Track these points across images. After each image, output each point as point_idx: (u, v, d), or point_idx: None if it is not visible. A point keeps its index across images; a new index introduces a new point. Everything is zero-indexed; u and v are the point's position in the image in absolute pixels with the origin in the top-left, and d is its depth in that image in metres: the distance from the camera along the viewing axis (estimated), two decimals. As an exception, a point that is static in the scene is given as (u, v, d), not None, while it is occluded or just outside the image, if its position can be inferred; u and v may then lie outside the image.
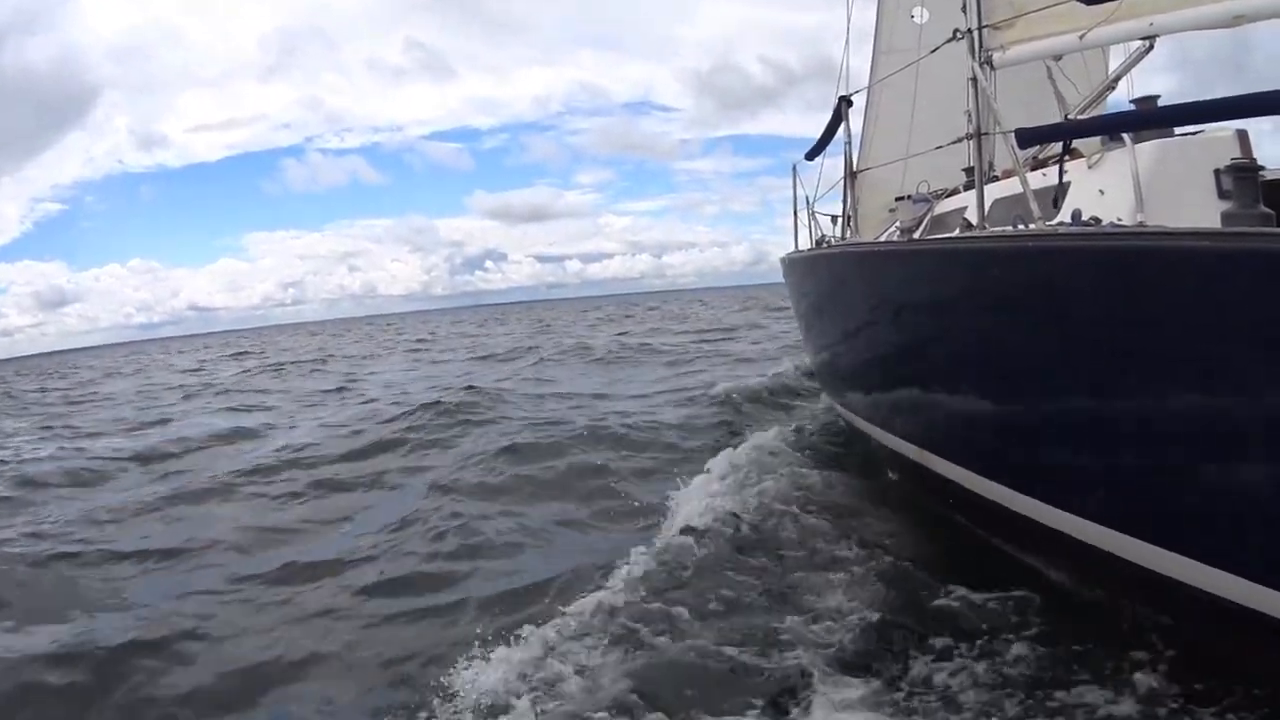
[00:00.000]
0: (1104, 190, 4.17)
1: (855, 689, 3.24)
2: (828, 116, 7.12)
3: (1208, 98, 3.47)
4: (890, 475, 6.06)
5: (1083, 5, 4.37)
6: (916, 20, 7.21)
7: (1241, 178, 3.17)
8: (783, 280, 8.95)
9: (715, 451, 7.06)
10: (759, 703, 3.22)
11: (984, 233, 4.61)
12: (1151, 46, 4.42)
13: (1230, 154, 3.58)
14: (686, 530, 5.10)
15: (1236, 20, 3.71)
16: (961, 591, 3.96)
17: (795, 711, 3.15)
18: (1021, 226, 4.32)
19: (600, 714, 3.18)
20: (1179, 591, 3.02)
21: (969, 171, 5.72)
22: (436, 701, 3.46)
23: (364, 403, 14.44)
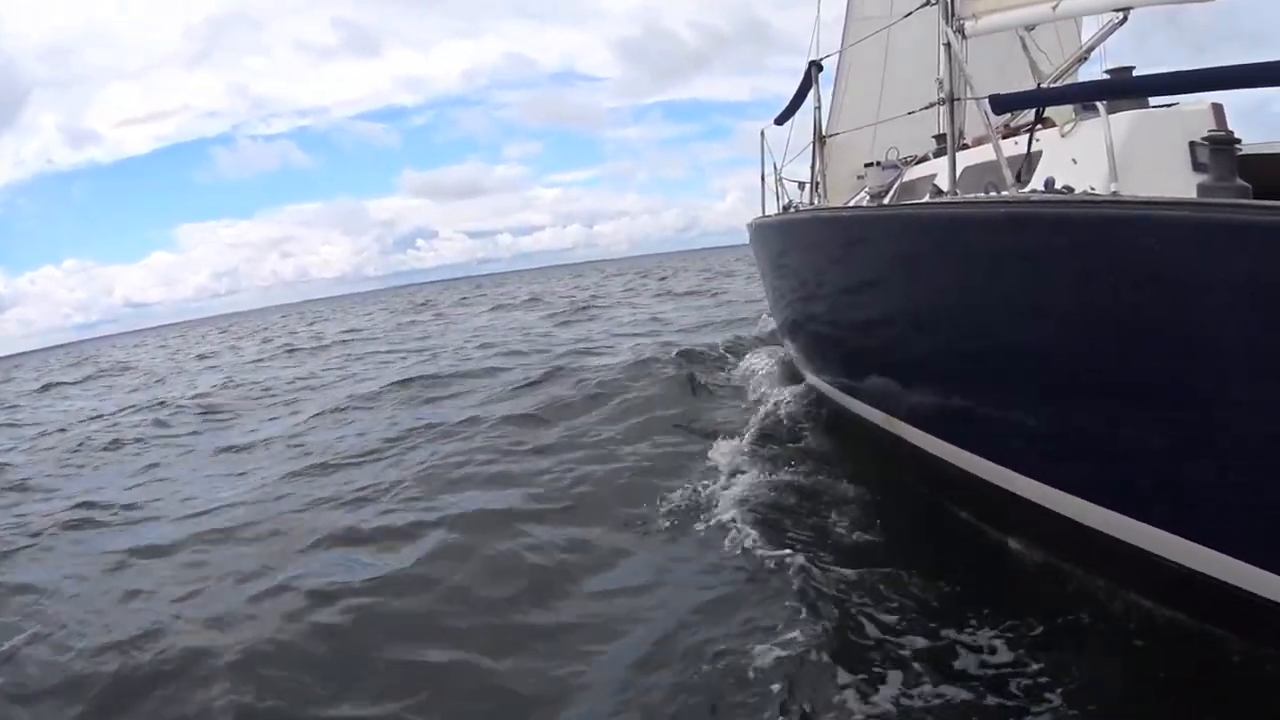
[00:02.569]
0: (1077, 160, 4.16)
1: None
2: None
3: (1184, 69, 3.45)
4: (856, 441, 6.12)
5: None
6: (889, -12, 7.15)
7: (1218, 150, 3.16)
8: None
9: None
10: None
11: (955, 198, 4.58)
12: (1125, 18, 4.42)
13: (1205, 127, 3.59)
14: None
15: None
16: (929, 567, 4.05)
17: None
18: (994, 193, 4.35)
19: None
20: (1158, 566, 3.11)
21: (939, 139, 5.74)
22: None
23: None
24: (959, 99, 4.88)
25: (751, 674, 3.30)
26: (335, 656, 3.92)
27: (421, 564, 4.88)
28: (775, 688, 3.19)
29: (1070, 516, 3.49)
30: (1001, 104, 4.32)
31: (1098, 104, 4.03)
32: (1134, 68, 4.10)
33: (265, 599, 4.65)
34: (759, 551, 4.45)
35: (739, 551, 4.54)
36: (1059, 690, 3.01)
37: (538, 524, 5.38)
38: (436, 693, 3.53)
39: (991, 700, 3.03)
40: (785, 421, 7.03)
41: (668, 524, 5.17)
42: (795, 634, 3.53)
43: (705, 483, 5.72)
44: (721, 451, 6.36)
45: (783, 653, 3.40)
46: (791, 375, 8.30)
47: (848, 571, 4.11)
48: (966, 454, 4.20)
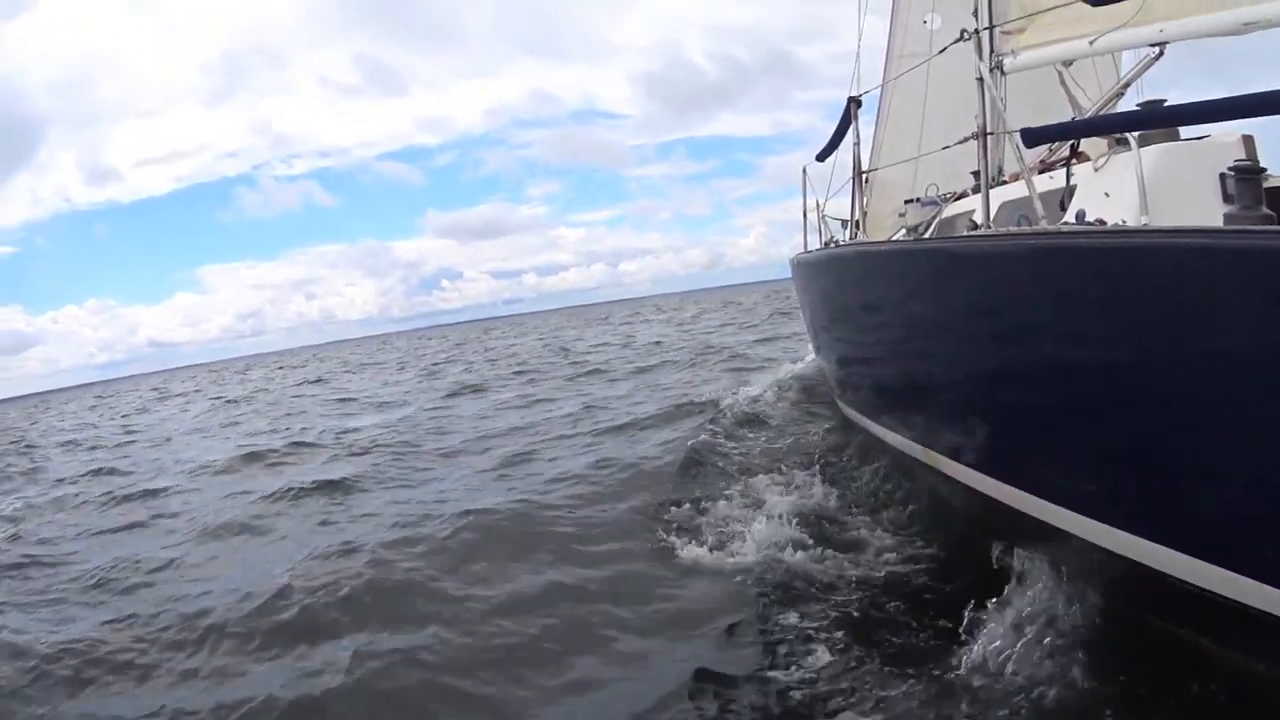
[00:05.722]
0: (1109, 193, 4.14)
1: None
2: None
3: (1214, 98, 3.42)
4: (895, 475, 6.07)
5: (1094, 11, 4.39)
6: (929, 26, 7.20)
7: (1243, 179, 3.11)
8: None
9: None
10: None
11: (986, 232, 4.60)
12: (1161, 53, 4.43)
13: (1235, 158, 3.52)
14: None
15: (1246, 28, 3.73)
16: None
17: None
18: (1026, 227, 4.33)
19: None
20: (1196, 597, 2.99)
21: (977, 174, 5.73)
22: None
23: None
24: (992, 133, 4.90)
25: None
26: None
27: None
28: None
29: (1115, 550, 3.36)
30: (1031, 137, 4.31)
31: (1129, 137, 4.02)
32: (1165, 100, 4.09)
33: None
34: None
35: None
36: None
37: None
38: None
39: None
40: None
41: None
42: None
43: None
44: None
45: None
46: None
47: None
48: (1007, 487, 4.09)
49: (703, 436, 8.36)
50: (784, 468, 6.96)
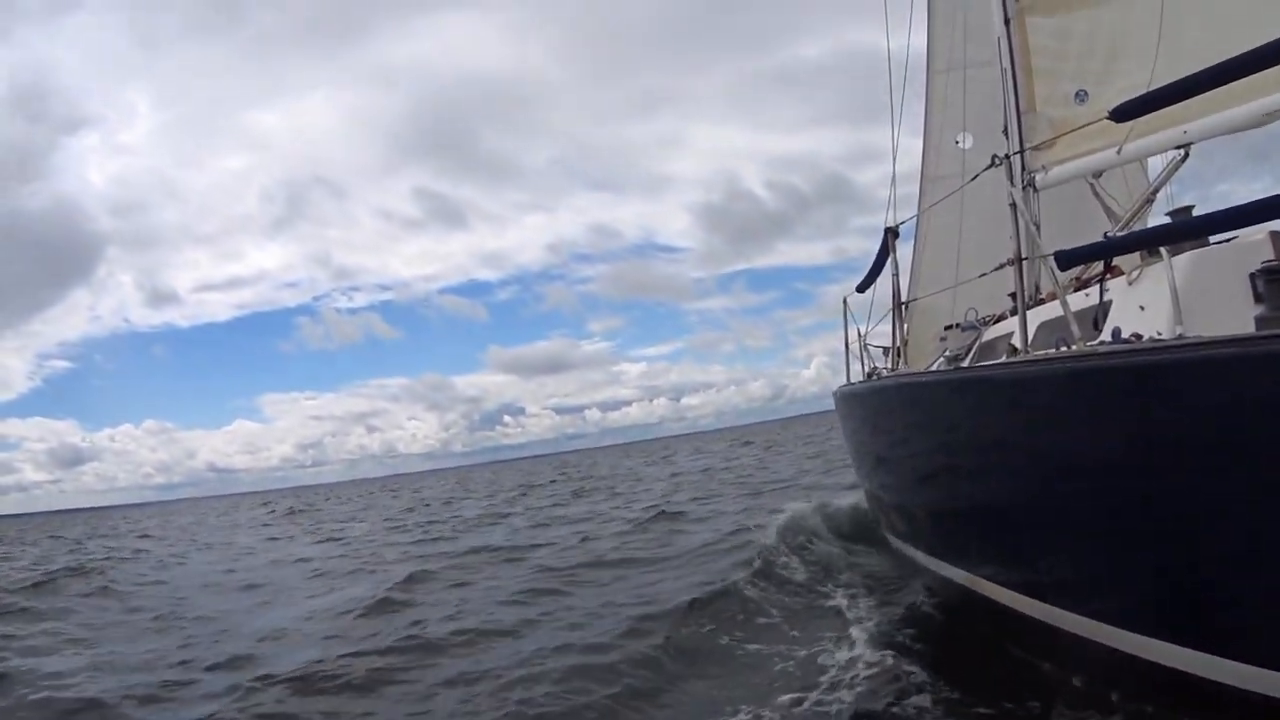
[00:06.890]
0: (1144, 306, 4.00)
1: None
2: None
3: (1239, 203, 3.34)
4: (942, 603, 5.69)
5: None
6: (960, 145, 7.11)
7: (1272, 280, 2.96)
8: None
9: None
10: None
11: (1020, 358, 4.46)
12: (1187, 155, 4.28)
13: (1264, 256, 3.38)
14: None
15: (1268, 118, 3.65)
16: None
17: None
18: (1064, 348, 4.14)
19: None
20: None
21: (1014, 296, 5.50)
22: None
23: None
24: (1026, 259, 4.82)
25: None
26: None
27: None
28: None
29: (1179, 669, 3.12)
30: (1065, 260, 4.28)
31: (1160, 248, 3.91)
32: (1193, 207, 3.98)
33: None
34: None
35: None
36: None
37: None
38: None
39: None
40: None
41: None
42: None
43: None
44: None
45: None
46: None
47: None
48: (1062, 612, 3.88)
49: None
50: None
